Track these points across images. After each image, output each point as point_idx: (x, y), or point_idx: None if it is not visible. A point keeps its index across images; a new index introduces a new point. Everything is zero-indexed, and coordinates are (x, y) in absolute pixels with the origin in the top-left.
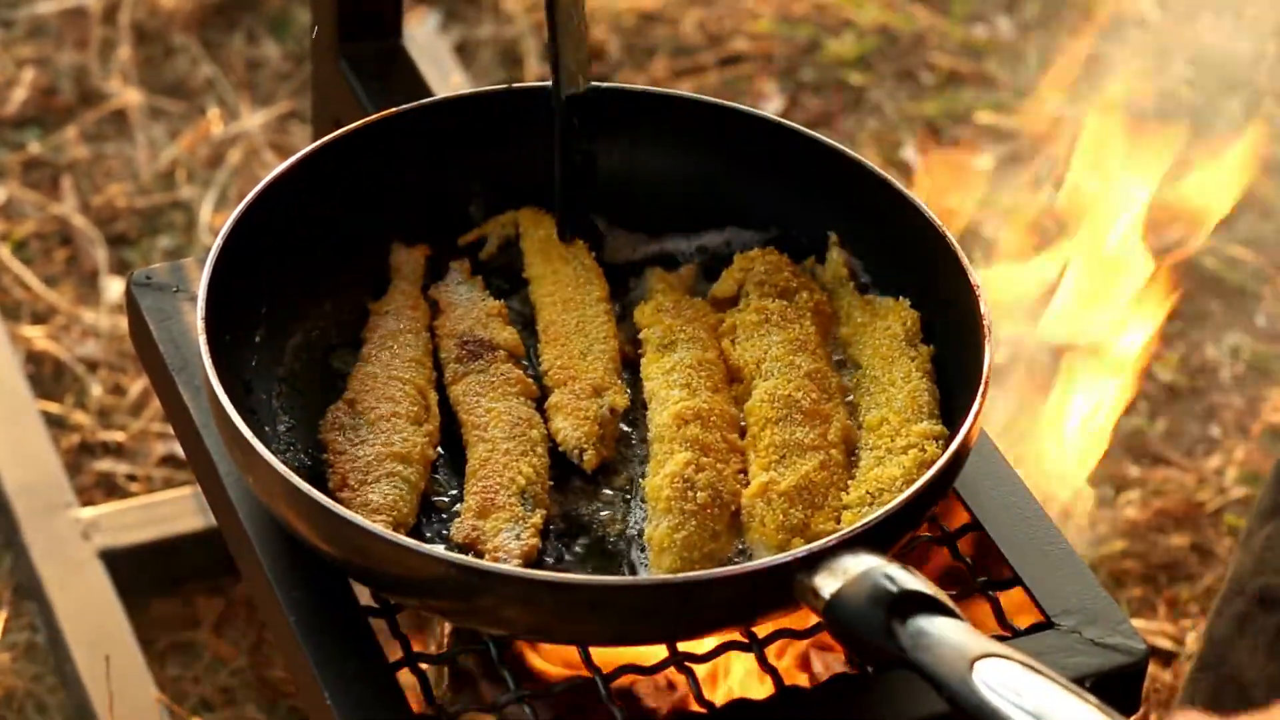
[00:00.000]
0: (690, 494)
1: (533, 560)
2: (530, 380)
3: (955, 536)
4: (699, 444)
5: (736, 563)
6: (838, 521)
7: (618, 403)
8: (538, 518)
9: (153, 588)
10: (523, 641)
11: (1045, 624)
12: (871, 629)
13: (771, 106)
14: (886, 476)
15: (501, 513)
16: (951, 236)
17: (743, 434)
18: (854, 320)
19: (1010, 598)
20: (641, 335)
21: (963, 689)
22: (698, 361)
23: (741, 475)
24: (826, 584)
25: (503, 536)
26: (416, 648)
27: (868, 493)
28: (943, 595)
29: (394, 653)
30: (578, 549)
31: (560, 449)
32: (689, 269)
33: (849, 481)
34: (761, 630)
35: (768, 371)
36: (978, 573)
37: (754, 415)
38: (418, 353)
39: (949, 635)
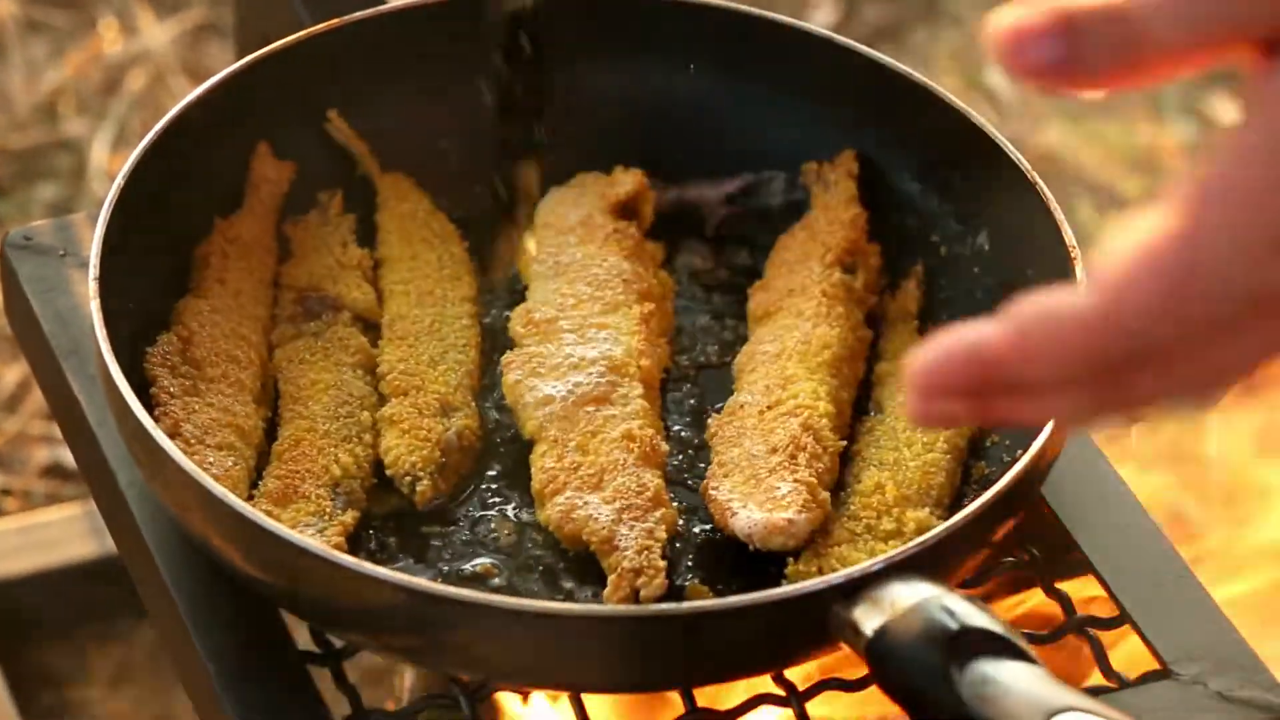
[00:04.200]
0: None
1: None
2: (375, 352)
3: (1048, 563)
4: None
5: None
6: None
7: (468, 427)
8: (349, 517)
9: (32, 631)
10: (505, 693)
11: (1161, 673)
12: (924, 674)
13: (821, 17)
14: (852, 558)
15: (305, 503)
16: (1044, 186)
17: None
18: (900, 362)
19: (1117, 640)
20: None
21: None
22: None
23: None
24: (869, 618)
25: (301, 530)
26: (369, 702)
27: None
28: (1015, 634)
29: (340, 709)
30: (536, 580)
31: (388, 474)
32: None
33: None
34: (804, 679)
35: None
36: (1076, 608)
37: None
38: (261, 309)
39: (1019, 683)
